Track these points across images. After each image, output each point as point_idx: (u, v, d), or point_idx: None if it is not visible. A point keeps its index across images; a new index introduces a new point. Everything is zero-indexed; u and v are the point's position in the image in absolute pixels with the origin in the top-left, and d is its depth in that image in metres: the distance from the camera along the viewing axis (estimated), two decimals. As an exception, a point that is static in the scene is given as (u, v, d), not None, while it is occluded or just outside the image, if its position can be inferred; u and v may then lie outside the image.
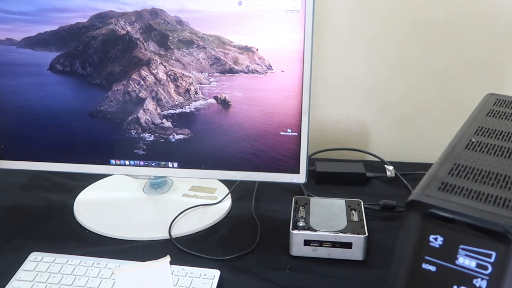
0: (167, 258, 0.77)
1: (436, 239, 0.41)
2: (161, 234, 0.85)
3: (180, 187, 0.98)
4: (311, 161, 1.08)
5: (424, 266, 0.41)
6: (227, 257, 0.79)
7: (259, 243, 0.83)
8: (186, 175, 0.88)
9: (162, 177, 0.96)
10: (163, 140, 0.87)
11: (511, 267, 0.38)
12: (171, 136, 0.86)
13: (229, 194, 0.96)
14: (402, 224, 0.43)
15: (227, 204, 0.94)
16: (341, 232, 0.77)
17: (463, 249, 0.40)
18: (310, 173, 1.03)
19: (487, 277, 0.39)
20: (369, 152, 1.12)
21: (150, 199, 0.95)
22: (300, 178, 0.85)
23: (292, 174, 0.85)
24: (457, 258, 0.40)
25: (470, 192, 0.43)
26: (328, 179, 1.03)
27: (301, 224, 0.79)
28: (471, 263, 0.39)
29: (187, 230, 0.86)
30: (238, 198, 0.96)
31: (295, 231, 0.78)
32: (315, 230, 0.78)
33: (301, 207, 0.85)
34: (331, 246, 0.78)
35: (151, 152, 0.88)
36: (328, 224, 0.79)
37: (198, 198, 0.95)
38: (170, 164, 0.88)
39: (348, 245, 0.77)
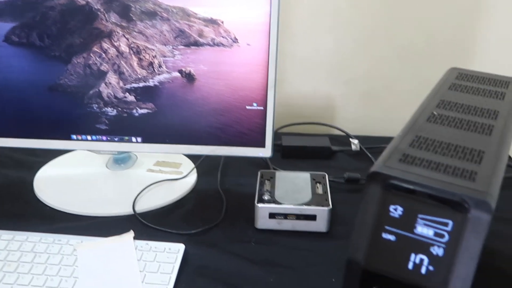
0: (131, 233, 0.76)
1: (396, 209, 0.41)
2: (124, 209, 0.84)
3: (145, 162, 0.97)
4: (277, 135, 1.08)
5: (384, 235, 0.42)
6: (192, 231, 0.79)
7: (224, 217, 0.83)
8: (150, 150, 0.87)
9: (126, 152, 0.94)
10: (126, 115, 0.85)
11: (466, 235, 0.39)
12: (134, 111, 0.85)
13: (195, 169, 0.95)
14: (363, 195, 0.43)
15: (192, 179, 0.93)
16: (305, 205, 0.78)
17: (421, 218, 0.41)
18: (276, 147, 1.03)
19: (443, 245, 0.40)
20: (334, 126, 1.13)
21: (114, 175, 0.93)
22: (266, 152, 0.85)
23: (258, 148, 0.85)
24: (415, 227, 0.41)
25: (430, 163, 0.44)
26: (294, 153, 1.03)
27: (266, 197, 0.80)
28: (429, 232, 0.40)
29: (152, 205, 0.86)
30: (203, 172, 0.96)
31: (260, 205, 0.78)
32: (280, 203, 0.78)
33: (266, 180, 0.85)
34: (296, 219, 0.78)
35: (114, 127, 0.86)
36: (293, 197, 0.80)
37: (163, 173, 0.94)
38: (133, 139, 0.86)
39: (312, 218, 0.78)
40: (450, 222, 0.40)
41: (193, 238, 0.78)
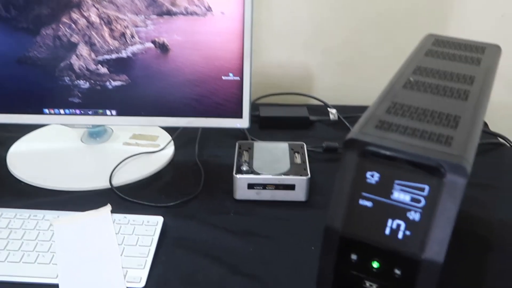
0: (108, 207, 0.75)
1: (372, 175, 0.41)
2: (101, 183, 0.83)
3: (121, 136, 0.95)
4: (254, 106, 1.07)
5: (361, 202, 0.42)
6: (171, 204, 0.78)
7: (203, 188, 0.83)
8: (126, 123, 0.85)
9: (101, 125, 0.93)
10: (99, 87, 0.83)
11: (442, 199, 0.39)
12: (107, 83, 0.83)
13: (172, 141, 0.94)
14: (340, 163, 0.43)
15: (169, 151, 0.92)
16: (284, 175, 0.78)
17: (398, 184, 0.41)
18: (254, 118, 1.03)
19: (420, 210, 0.40)
20: (312, 96, 1.12)
21: (89, 149, 0.92)
22: (243, 123, 0.84)
23: (235, 119, 0.84)
24: (392, 193, 0.41)
25: (406, 129, 0.44)
26: (272, 123, 1.02)
27: (244, 168, 0.79)
28: (406, 197, 0.41)
29: (129, 178, 0.85)
30: (181, 145, 0.95)
31: (238, 175, 0.78)
32: (259, 174, 0.78)
33: (244, 151, 0.84)
34: (275, 189, 0.79)
35: (87, 100, 0.84)
36: (271, 167, 0.80)
37: (140, 146, 0.93)
38: (108, 112, 0.85)
39: (291, 187, 0.78)
40: (427, 187, 0.40)
41: (172, 211, 0.77)
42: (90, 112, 0.85)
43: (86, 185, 0.82)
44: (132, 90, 0.83)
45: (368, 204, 0.42)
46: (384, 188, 0.41)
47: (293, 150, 0.85)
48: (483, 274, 0.67)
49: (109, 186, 0.82)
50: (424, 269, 0.41)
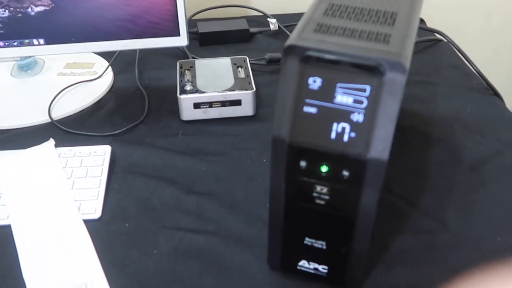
0: (51, 142, 0.72)
1: (314, 81, 0.41)
2: (40, 118, 0.79)
3: (54, 66, 0.90)
4: (192, 22, 1.03)
5: (305, 109, 0.42)
6: (117, 131, 0.76)
7: (148, 113, 0.81)
8: (56, 52, 0.80)
9: (30, 57, 0.87)
10: (21, 15, 0.76)
11: (383, 98, 0.40)
12: (29, 9, 0.76)
13: (110, 67, 0.90)
14: (281, 71, 0.42)
15: (108, 77, 0.88)
16: (229, 91, 0.77)
17: (340, 87, 0.41)
18: (193, 35, 0.99)
19: (363, 111, 0.41)
20: (251, 7, 1.08)
21: (22, 83, 0.87)
22: (181, 41, 0.81)
23: (172, 37, 0.81)
24: (335, 97, 0.41)
25: (345, 30, 0.43)
26: (212, 39, 0.99)
27: (188, 88, 0.77)
28: (348, 100, 0.41)
29: (69, 110, 0.81)
30: (120, 70, 0.91)
31: (183, 96, 0.76)
32: (203, 92, 0.77)
33: (186, 71, 0.82)
34: (221, 106, 0.78)
35: (10, 30, 0.77)
36: (215, 84, 0.78)
37: (76, 76, 0.88)
38: (35, 42, 0.79)
39: (237, 103, 0.78)
40: (368, 87, 0.40)
41: (119, 138, 0.76)
42: (15, 43, 0.79)
43: (24, 122, 0.78)
44: (58, 15, 0.77)
45: (313, 110, 0.42)
46: (327, 92, 0.41)
47: (236, 65, 0.83)
48: (425, 166, 0.70)
49: (49, 120, 0.79)
50: (370, 168, 0.42)
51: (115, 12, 0.78)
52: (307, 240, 0.50)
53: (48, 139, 0.73)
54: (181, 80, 0.80)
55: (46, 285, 0.54)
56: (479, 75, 0.88)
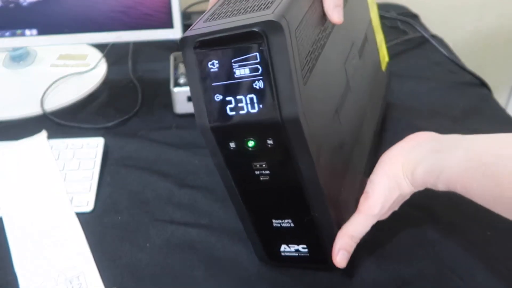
0: (43, 133, 0.72)
1: (213, 64, 0.42)
2: (32, 110, 0.78)
3: (46, 58, 0.90)
4: (187, 15, 1.02)
5: (214, 96, 0.43)
6: (110, 124, 0.76)
7: (141, 105, 0.81)
8: (49, 43, 0.80)
9: (22, 47, 0.86)
10: (13, 5, 0.76)
11: (274, 59, 0.41)
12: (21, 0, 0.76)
13: (103, 58, 0.90)
14: (184, 63, 0.44)
15: (102, 69, 0.88)
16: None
17: (234, 62, 0.42)
18: (187, 27, 0.99)
19: (261, 77, 0.42)
20: None
21: (14, 74, 0.86)
22: (175, 33, 0.80)
23: (166, 29, 0.80)
24: (234, 73, 0.42)
25: (233, 12, 0.44)
26: (206, 32, 0.99)
27: (182, 81, 0.77)
28: (246, 71, 0.42)
29: (62, 102, 0.81)
30: (113, 62, 0.90)
31: (176, 89, 0.76)
32: (197, 85, 0.76)
33: (180, 63, 0.82)
34: (215, 99, 0.77)
35: (2, 20, 0.77)
36: (209, 77, 0.78)
37: (69, 67, 0.88)
38: (27, 32, 0.78)
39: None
40: (257, 54, 0.41)
41: (112, 131, 0.75)
42: (7, 34, 0.78)
43: (16, 113, 0.78)
44: (51, 5, 0.76)
45: (219, 93, 0.43)
46: (227, 71, 0.42)
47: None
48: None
49: (42, 112, 0.78)
50: (288, 129, 0.43)
51: (108, 3, 0.77)
52: (275, 222, 0.50)
53: (40, 131, 0.72)
54: (175, 73, 0.79)
55: (37, 277, 0.54)
56: (467, 71, 0.88)
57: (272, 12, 0.41)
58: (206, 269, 0.55)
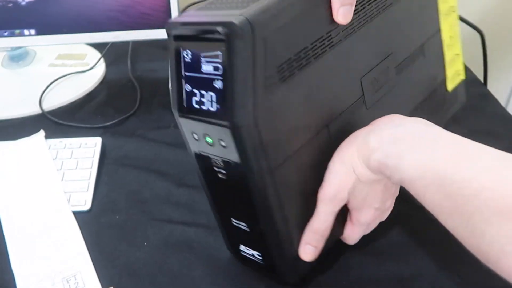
0: (41, 133, 0.72)
1: (187, 54, 0.42)
2: (30, 109, 0.78)
3: (45, 57, 0.89)
4: (186, 14, 1.02)
5: (185, 85, 0.43)
6: (108, 123, 0.76)
7: (139, 105, 0.80)
8: (48, 43, 0.79)
9: (21, 47, 0.86)
10: (11, 4, 0.76)
11: (233, 63, 0.40)
12: (20, -1, 0.75)
13: (102, 58, 0.90)
14: (168, 50, 0.44)
15: (100, 69, 0.88)
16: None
17: (203, 56, 0.41)
18: (186, 27, 0.99)
19: (221, 77, 0.40)
20: None
21: (12, 74, 0.86)
22: (174, 32, 0.80)
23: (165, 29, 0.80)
24: (201, 67, 0.42)
25: (213, 4, 0.44)
26: (206, 31, 0.99)
27: (180, 80, 0.77)
28: (209, 68, 0.41)
29: (60, 101, 0.81)
30: (112, 62, 0.90)
31: (175, 88, 0.76)
32: (196, 85, 0.76)
33: (179, 63, 0.81)
34: (213, 99, 0.77)
35: (0, 20, 0.77)
36: (208, 77, 0.78)
37: (68, 67, 0.87)
38: (26, 32, 0.78)
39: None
40: (219, 53, 0.40)
41: (110, 130, 0.75)
42: (6, 33, 0.78)
43: (14, 113, 0.78)
44: (49, 5, 0.76)
45: (189, 84, 0.43)
46: (197, 63, 0.42)
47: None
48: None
49: (40, 112, 0.78)
50: (236, 135, 0.41)
51: (106, 2, 0.77)
52: (234, 222, 0.50)
53: (38, 131, 0.72)
54: (174, 72, 0.79)
55: (35, 276, 0.54)
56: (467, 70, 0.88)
57: (240, 14, 0.39)
58: (204, 268, 0.55)
